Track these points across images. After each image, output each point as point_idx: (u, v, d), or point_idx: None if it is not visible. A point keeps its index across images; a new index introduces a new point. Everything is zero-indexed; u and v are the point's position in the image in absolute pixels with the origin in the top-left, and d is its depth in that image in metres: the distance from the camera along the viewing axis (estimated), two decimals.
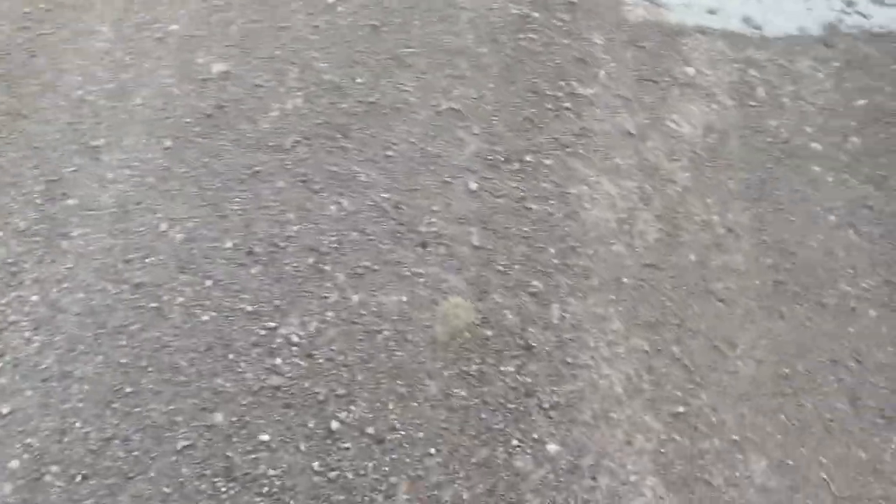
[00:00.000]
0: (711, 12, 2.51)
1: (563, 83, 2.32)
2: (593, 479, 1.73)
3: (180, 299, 1.90)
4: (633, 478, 1.74)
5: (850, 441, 1.81)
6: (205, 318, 1.88)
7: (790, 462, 1.78)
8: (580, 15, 2.47)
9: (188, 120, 2.17)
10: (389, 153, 2.16)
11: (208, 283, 1.93)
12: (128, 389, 1.75)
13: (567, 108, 2.26)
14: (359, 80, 2.27)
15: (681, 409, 1.83)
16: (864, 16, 2.55)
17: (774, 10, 2.54)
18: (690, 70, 2.38)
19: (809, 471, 1.77)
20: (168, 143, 2.13)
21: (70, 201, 2.01)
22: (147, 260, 1.95)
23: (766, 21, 2.51)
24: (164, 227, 2.00)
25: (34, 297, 1.87)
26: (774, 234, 2.09)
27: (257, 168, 2.10)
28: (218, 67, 2.27)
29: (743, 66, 2.41)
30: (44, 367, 1.77)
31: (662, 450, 1.77)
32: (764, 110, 2.33)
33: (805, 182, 2.19)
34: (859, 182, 2.20)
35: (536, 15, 2.45)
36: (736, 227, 2.10)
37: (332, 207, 2.06)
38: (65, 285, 1.89)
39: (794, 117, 2.32)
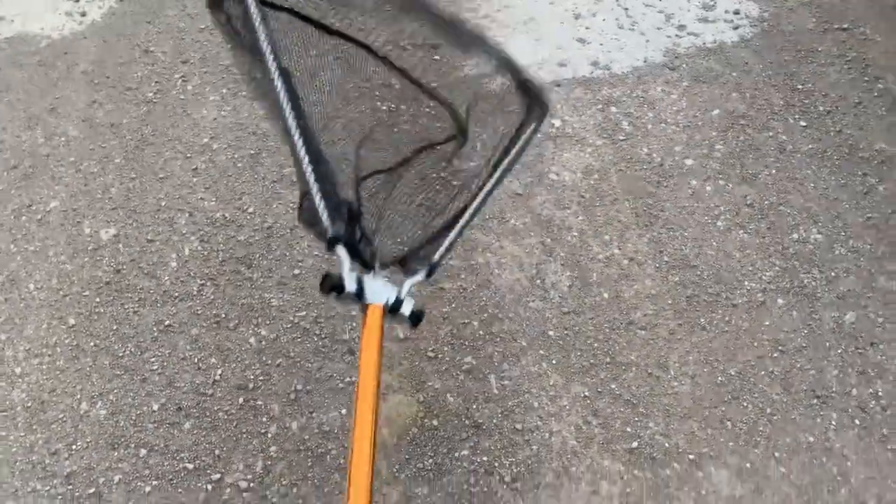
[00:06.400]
0: (562, 65, 2.68)
1: (444, 163, 2.41)
2: None
3: (118, 477, 1.84)
4: None
5: (795, 429, 1.88)
6: (147, 489, 1.82)
7: (748, 465, 1.84)
8: None
9: (87, 293, 2.14)
10: (296, 272, 2.18)
11: (143, 451, 1.87)
12: None
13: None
14: (250, 210, 2.30)
15: (634, 444, 1.87)
16: (695, 35, 2.78)
17: (616, 49, 2.74)
18: (557, 122, 2.53)
19: (768, 469, 1.83)
20: (71, 320, 2.09)
21: None
22: (74, 447, 1.88)
23: (612, 61, 2.70)
24: (84, 407, 1.94)
25: None
26: (673, 252, 2.21)
27: (167, 322, 2.08)
28: (107, 233, 2.26)
29: (603, 106, 2.58)
30: None
31: (628, 489, 1.80)
32: (633, 141, 2.49)
33: (687, 197, 2.33)
34: (735, 185, 2.36)
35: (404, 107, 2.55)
36: (637, 255, 2.20)
37: (252, 340, 2.05)
38: None
39: (661, 141, 2.48)
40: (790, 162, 2.40)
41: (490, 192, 1.51)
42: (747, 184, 2.36)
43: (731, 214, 2.29)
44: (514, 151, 1.51)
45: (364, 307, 1.25)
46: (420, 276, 1.38)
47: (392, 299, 1.26)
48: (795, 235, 2.23)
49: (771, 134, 2.48)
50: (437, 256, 1.39)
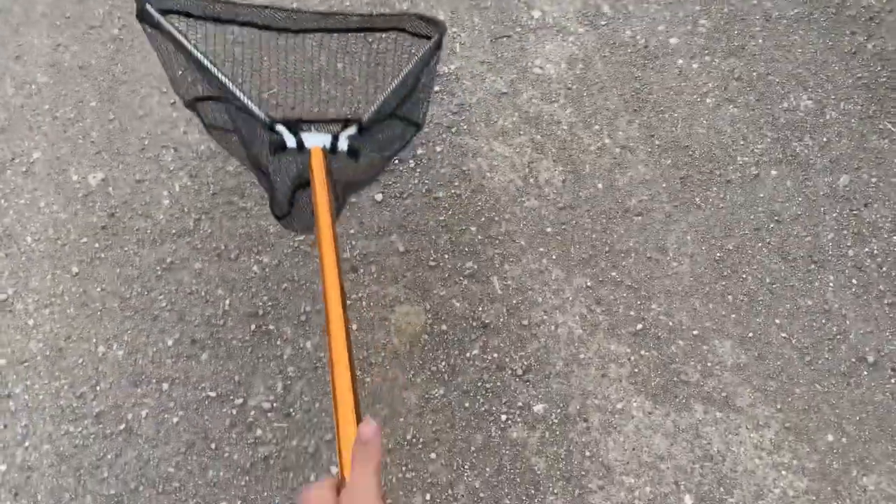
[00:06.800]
0: None
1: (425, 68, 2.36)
2: (585, 420, 1.81)
3: (145, 411, 1.90)
4: (619, 405, 1.82)
5: (794, 294, 1.93)
6: (175, 419, 1.89)
7: (750, 334, 1.89)
8: None
9: (85, 239, 2.14)
10: None
11: (165, 385, 1.93)
12: None
13: (437, 91, 2.31)
14: (235, 139, 2.26)
15: (639, 326, 1.92)
16: None
17: None
18: (536, 13, 2.45)
19: (769, 335, 1.88)
20: (74, 268, 2.11)
21: (0, 362, 1.98)
22: (98, 388, 1.93)
23: None
24: (102, 349, 1.99)
25: (2, 468, 1.84)
26: (664, 135, 2.19)
27: (169, 259, 2.09)
28: (94, 178, 2.24)
29: None
30: None
31: (636, 369, 1.86)
32: (615, 25, 2.42)
33: (674, 77, 2.29)
34: (721, 59, 2.31)
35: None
36: (628, 142, 2.19)
37: (255, 268, 2.07)
38: (27, 443, 1.87)
39: (644, 21, 2.41)
40: (777, 29, 2.34)
41: (419, 66, 1.71)
42: (734, 56, 2.31)
43: (720, 90, 2.26)
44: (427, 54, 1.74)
45: (307, 155, 1.47)
46: (352, 130, 1.56)
47: (328, 143, 1.48)
48: (785, 104, 2.21)
49: (755, 2, 2.41)
50: (366, 117, 1.59)
